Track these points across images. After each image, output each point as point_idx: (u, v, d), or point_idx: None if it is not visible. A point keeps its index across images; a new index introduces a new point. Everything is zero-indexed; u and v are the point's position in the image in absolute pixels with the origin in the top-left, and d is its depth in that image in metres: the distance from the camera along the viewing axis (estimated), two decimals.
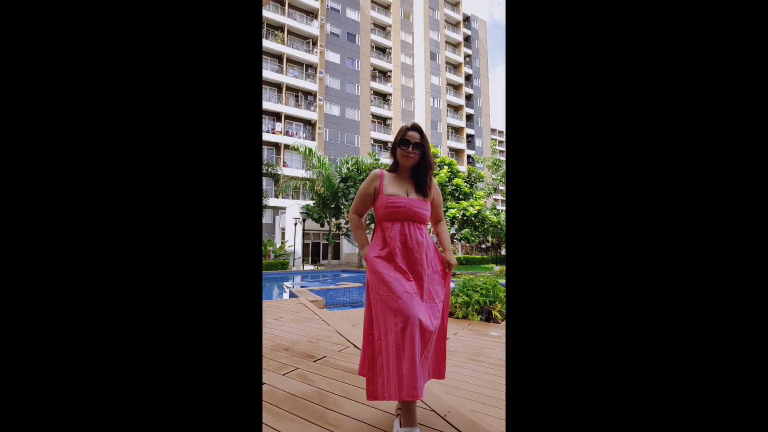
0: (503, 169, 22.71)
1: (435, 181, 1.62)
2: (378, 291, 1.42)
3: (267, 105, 22.56)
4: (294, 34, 25.10)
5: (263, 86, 20.98)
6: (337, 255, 20.21)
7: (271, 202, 19.70)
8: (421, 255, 1.48)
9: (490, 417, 1.76)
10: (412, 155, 1.50)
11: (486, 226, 15.15)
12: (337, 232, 17.98)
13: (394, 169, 1.59)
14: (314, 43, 25.72)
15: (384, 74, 30.27)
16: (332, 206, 16.65)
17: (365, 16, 28.93)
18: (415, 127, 1.53)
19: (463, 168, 27.33)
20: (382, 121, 29.49)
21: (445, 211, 14.47)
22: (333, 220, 17.25)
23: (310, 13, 26.20)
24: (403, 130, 1.53)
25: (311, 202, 17.47)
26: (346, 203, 16.37)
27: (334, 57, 26.71)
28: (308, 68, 25.53)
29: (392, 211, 1.49)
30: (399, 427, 1.40)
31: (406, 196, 1.51)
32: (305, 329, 3.42)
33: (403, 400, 1.38)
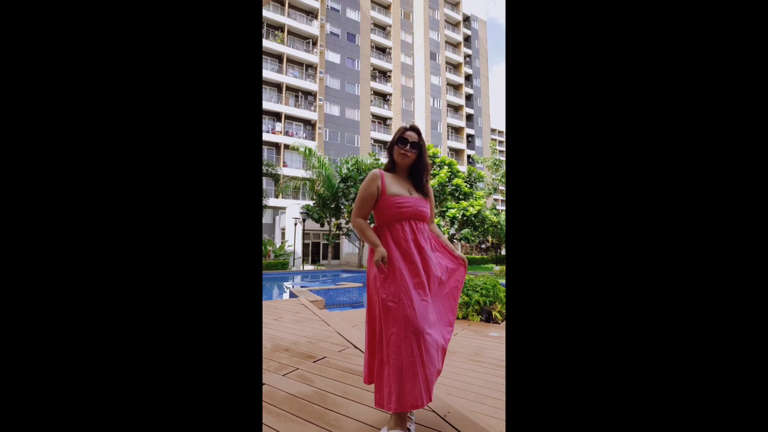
0: (503, 169, 22.71)
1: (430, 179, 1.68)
2: (390, 296, 1.39)
3: (267, 105, 22.55)
4: (294, 34, 25.10)
5: (263, 86, 20.96)
6: (337, 255, 20.21)
7: (271, 202, 19.70)
8: (430, 252, 1.53)
9: (490, 417, 1.76)
10: (410, 154, 1.52)
11: (486, 226, 15.15)
12: (337, 232, 17.98)
13: (390, 168, 1.60)
14: (314, 43, 25.72)
15: (384, 74, 30.27)
16: (332, 206, 16.64)
17: (365, 16, 28.93)
18: (413, 128, 1.56)
19: (463, 168, 27.32)
20: (382, 121, 29.49)
21: (444, 211, 14.44)
22: (333, 220, 17.24)
23: (310, 13, 26.20)
24: (401, 130, 1.55)
25: (311, 202, 17.46)
26: (346, 203, 16.37)
27: (334, 57, 26.71)
28: (308, 68, 25.53)
29: (400, 211, 1.48)
30: (387, 430, 1.41)
31: (410, 195, 1.53)
32: (305, 330, 3.42)
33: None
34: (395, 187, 1.53)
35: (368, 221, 1.59)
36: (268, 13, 23.50)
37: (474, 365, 2.60)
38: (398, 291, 1.40)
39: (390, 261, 1.44)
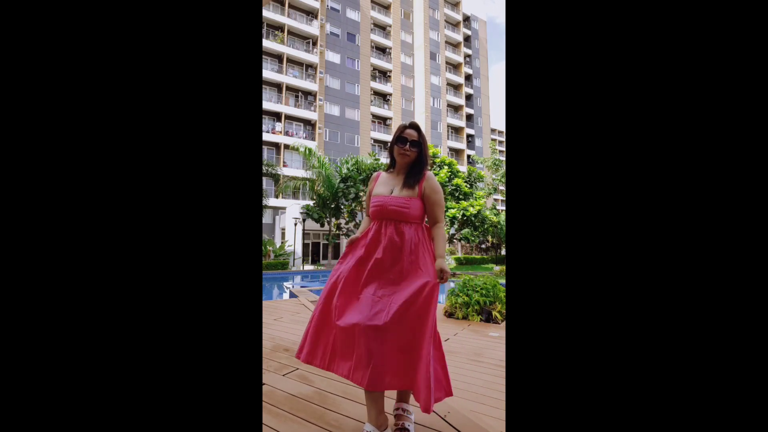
0: (503, 169, 22.71)
1: (435, 179, 1.54)
2: (332, 279, 1.54)
3: (267, 105, 22.55)
4: (294, 34, 25.10)
5: (263, 86, 20.95)
6: (337, 255, 20.19)
7: (271, 202, 19.69)
8: (394, 254, 1.42)
9: (490, 417, 1.76)
10: (409, 153, 1.50)
11: (486, 226, 15.15)
12: (337, 232, 17.98)
13: (391, 167, 1.60)
14: (314, 43, 25.73)
15: (384, 74, 30.27)
16: (332, 206, 16.65)
17: (365, 16, 28.93)
18: (413, 125, 1.53)
19: (463, 168, 27.31)
20: (382, 121, 29.49)
21: (444, 212, 14.38)
22: (333, 220, 17.25)
23: (310, 13, 26.20)
24: (401, 128, 1.52)
25: (311, 202, 17.47)
26: (346, 203, 16.37)
27: (334, 57, 26.71)
28: (308, 68, 25.53)
29: (373, 210, 1.51)
30: (367, 423, 1.43)
31: (390, 194, 1.50)
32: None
33: (368, 398, 1.40)
34: (381, 187, 1.55)
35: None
36: (268, 13, 23.50)
37: (474, 365, 2.60)
38: (338, 277, 1.50)
39: (348, 253, 1.57)
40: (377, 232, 1.48)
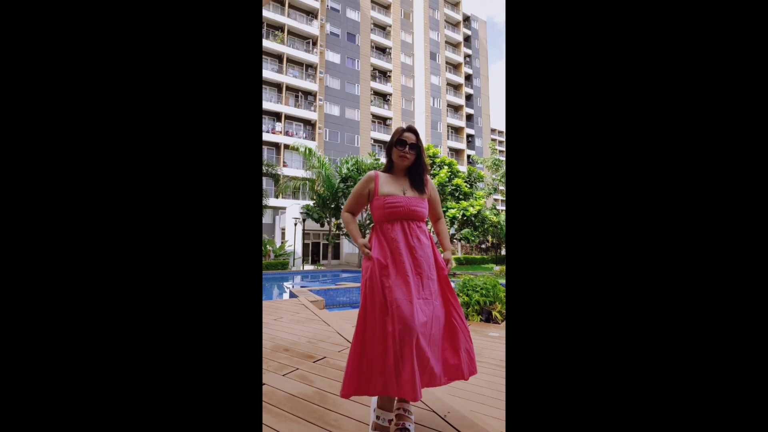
0: (503, 169, 22.73)
1: (430, 178, 1.65)
2: (376, 294, 1.41)
3: (267, 105, 22.56)
4: (294, 34, 25.10)
5: (263, 86, 20.97)
6: (337, 255, 20.21)
7: (271, 202, 19.70)
8: (424, 251, 1.49)
9: (490, 417, 1.76)
10: (409, 156, 1.53)
11: (486, 226, 15.15)
12: (337, 232, 17.99)
13: (388, 169, 1.61)
14: (314, 43, 25.73)
15: (384, 74, 30.28)
16: (332, 206, 16.65)
17: (365, 16, 28.93)
18: (411, 129, 1.56)
19: (463, 168, 27.30)
20: (382, 121, 29.49)
21: (444, 211, 14.45)
22: (333, 220, 17.26)
23: (310, 13, 26.21)
24: (399, 131, 1.55)
25: (311, 202, 17.48)
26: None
27: (334, 57, 26.72)
28: (308, 68, 25.53)
29: (390, 211, 1.50)
30: (375, 406, 1.48)
31: (403, 194, 1.52)
32: (305, 330, 3.42)
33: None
34: (388, 187, 1.54)
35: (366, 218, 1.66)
36: (268, 13, 23.50)
37: None
38: (384, 289, 1.41)
39: (378, 259, 1.48)
40: (404, 233, 1.49)
